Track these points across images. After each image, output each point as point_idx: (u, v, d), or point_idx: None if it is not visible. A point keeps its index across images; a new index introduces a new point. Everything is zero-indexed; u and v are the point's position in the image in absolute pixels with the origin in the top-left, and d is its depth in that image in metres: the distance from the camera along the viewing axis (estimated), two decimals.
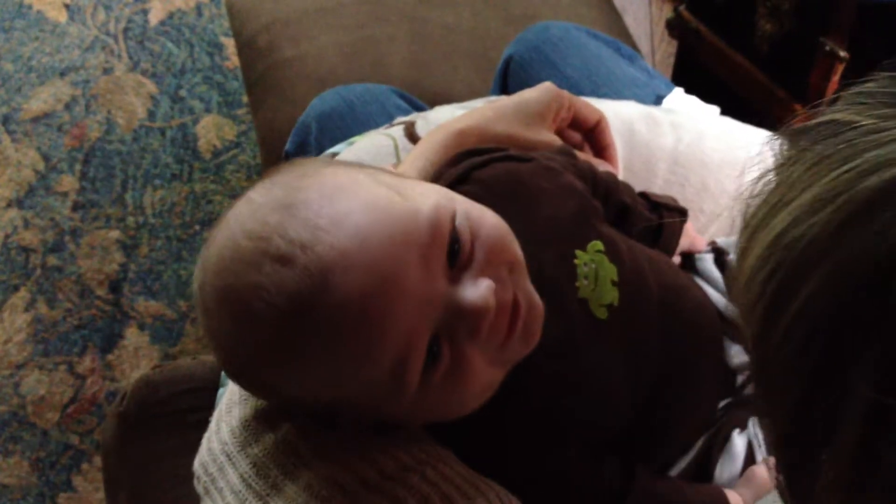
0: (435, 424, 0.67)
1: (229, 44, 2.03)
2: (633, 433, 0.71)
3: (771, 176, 0.42)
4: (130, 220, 1.89)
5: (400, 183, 0.63)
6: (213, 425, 0.71)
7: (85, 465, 1.67)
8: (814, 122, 0.41)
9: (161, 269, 1.85)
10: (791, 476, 0.43)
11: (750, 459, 0.78)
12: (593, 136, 0.89)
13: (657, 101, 1.09)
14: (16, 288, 1.84)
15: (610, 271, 0.70)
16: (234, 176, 1.94)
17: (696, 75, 1.66)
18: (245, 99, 1.92)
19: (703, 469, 0.78)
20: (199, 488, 0.69)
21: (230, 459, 0.66)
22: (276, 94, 1.44)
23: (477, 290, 0.59)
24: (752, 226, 0.41)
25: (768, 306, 0.40)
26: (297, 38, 1.47)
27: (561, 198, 0.74)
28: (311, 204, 0.58)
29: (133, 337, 1.79)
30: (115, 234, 1.87)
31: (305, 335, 0.56)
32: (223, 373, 0.79)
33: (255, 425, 0.67)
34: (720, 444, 0.79)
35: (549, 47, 1.18)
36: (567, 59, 1.16)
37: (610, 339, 0.69)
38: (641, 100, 1.05)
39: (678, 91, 1.11)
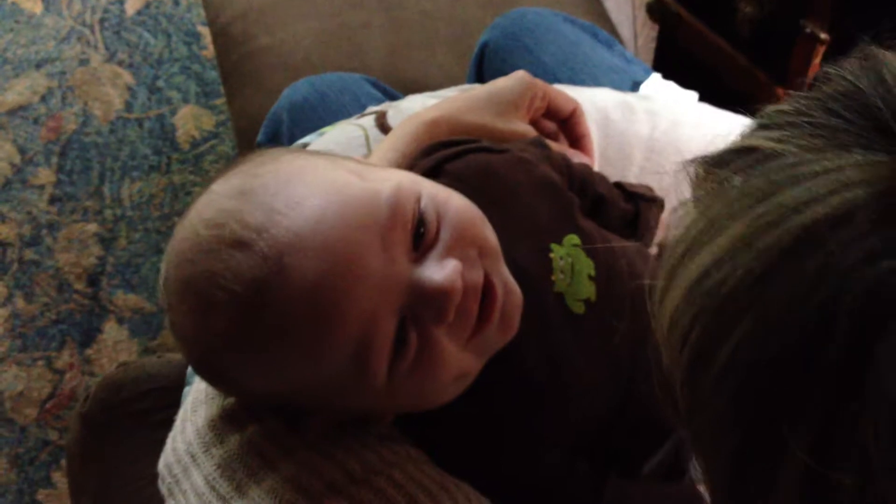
0: (409, 424, 0.66)
1: (206, 33, 2.01)
2: (608, 433, 0.70)
3: (689, 207, 0.39)
4: (108, 212, 1.88)
5: (363, 168, 0.62)
6: (178, 425, 0.70)
7: (64, 461, 1.66)
8: (730, 148, 0.38)
9: (140, 261, 1.83)
10: None
11: None
12: (568, 125, 0.88)
13: (634, 87, 1.08)
14: None
15: (587, 266, 0.69)
16: (212, 167, 1.92)
17: (677, 59, 1.65)
18: (222, 89, 1.90)
19: (677, 463, 0.77)
20: (164, 489, 0.68)
21: (194, 460, 0.65)
22: (251, 83, 1.43)
23: (441, 270, 0.58)
24: (671, 264, 0.39)
25: (693, 355, 0.37)
26: (272, 26, 1.45)
27: (536, 190, 0.73)
28: (268, 188, 0.57)
29: (112, 331, 1.78)
30: (92, 227, 1.86)
31: (263, 321, 0.55)
32: (189, 371, 0.78)
33: (221, 425, 0.66)
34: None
35: (526, 34, 1.17)
36: (543, 46, 1.15)
37: (587, 335, 0.68)
38: (618, 86, 1.03)
39: (655, 76, 1.10)
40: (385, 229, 0.57)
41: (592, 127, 0.90)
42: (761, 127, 0.38)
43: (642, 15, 1.91)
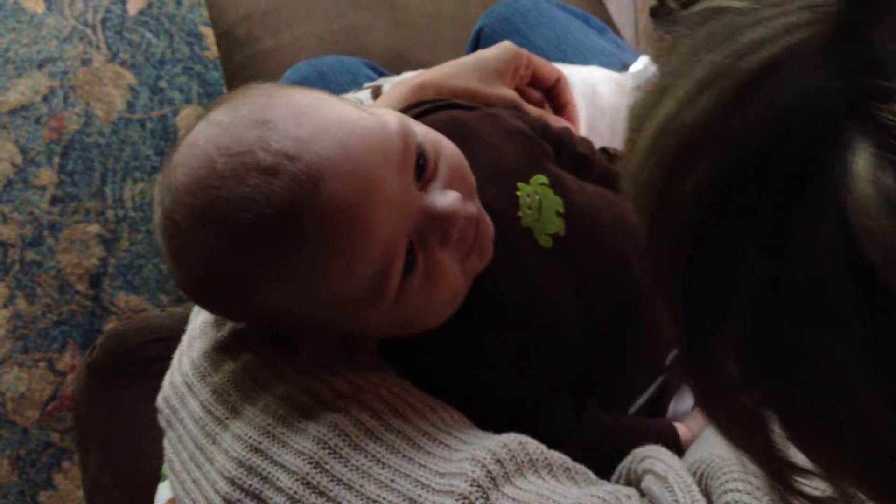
0: (392, 354, 0.69)
1: (209, 33, 2.01)
2: (590, 367, 0.73)
3: (656, 68, 0.42)
4: (110, 213, 1.88)
5: (361, 105, 0.65)
6: (175, 361, 0.73)
7: (66, 463, 1.66)
8: (689, 11, 0.41)
9: (141, 263, 1.83)
10: (688, 361, 0.44)
11: None
12: (552, 94, 0.92)
13: (624, 69, 1.10)
14: None
15: (555, 203, 0.73)
16: None
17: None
18: (225, 90, 1.90)
19: (657, 406, 0.80)
20: (162, 422, 0.71)
21: (191, 389, 0.68)
22: None
23: (447, 198, 0.63)
24: (639, 116, 0.42)
25: (658, 191, 0.40)
26: (276, 28, 1.46)
27: (504, 138, 0.76)
28: (288, 118, 0.59)
29: None
30: (94, 227, 1.86)
31: (295, 243, 0.58)
32: (190, 316, 0.79)
33: (215, 356, 0.69)
34: (675, 385, 0.80)
35: (519, 18, 1.21)
36: (536, 30, 1.20)
37: (556, 266, 0.72)
38: (608, 68, 1.06)
39: (644, 59, 1.11)
40: (399, 157, 0.61)
41: (580, 100, 0.93)
42: None
43: (644, 17, 1.91)
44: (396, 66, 1.38)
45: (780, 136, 0.36)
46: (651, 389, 0.79)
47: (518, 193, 0.72)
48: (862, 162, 0.34)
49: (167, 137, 1.95)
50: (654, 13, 1.55)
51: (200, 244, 0.61)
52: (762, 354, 0.39)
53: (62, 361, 1.76)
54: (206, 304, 0.69)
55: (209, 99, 1.99)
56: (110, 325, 1.03)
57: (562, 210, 0.73)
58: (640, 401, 0.78)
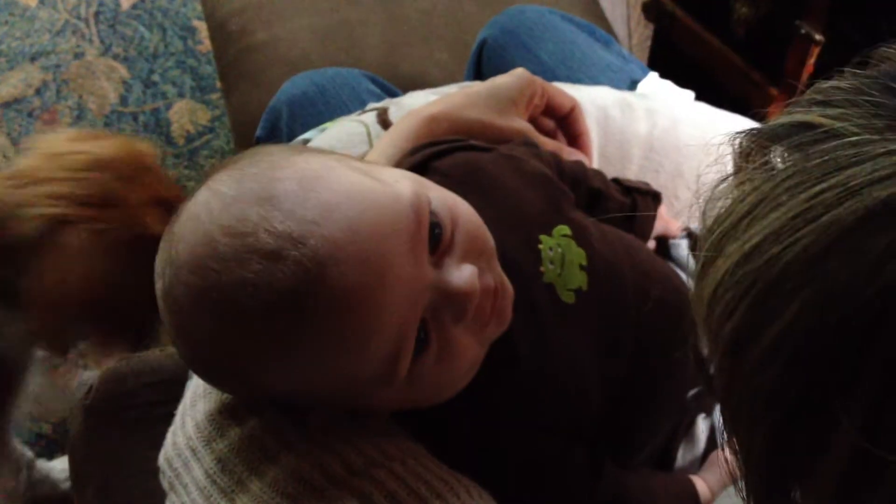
0: (407, 418, 0.66)
1: (202, 27, 2.01)
2: (606, 424, 0.71)
3: (733, 179, 0.39)
4: None
5: (371, 168, 0.62)
6: (177, 419, 0.70)
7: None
8: (782, 122, 0.38)
9: None
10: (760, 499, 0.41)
11: (712, 443, 0.78)
12: (567, 123, 0.88)
13: (632, 85, 1.09)
14: None
15: (578, 256, 0.70)
16: (207, 161, 1.92)
17: (672, 59, 1.66)
18: (219, 83, 1.89)
19: (666, 453, 0.79)
20: (165, 484, 0.68)
21: (195, 454, 0.65)
22: (248, 78, 1.43)
23: (462, 274, 0.60)
24: (720, 233, 0.38)
25: (741, 326, 0.37)
26: (270, 22, 1.45)
27: (524, 183, 0.74)
28: (293, 196, 0.56)
29: None
30: None
31: (300, 329, 0.55)
32: None
33: (220, 419, 0.66)
34: (685, 429, 0.79)
35: (524, 31, 1.18)
36: (542, 44, 1.15)
37: (579, 323, 0.69)
38: (616, 84, 1.04)
39: (653, 76, 1.11)
40: (412, 234, 0.58)
41: (592, 124, 0.90)
42: (817, 103, 0.37)
43: (637, 14, 1.92)
44: (391, 62, 1.38)
45: (885, 296, 0.32)
46: (658, 437, 0.77)
47: (540, 247, 0.69)
48: None
49: (160, 131, 1.95)
50: (645, 9, 1.57)
51: (202, 325, 0.58)
52: None
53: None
54: (209, 381, 0.66)
55: (202, 93, 1.99)
56: (106, 367, 1.00)
57: (585, 263, 0.70)
58: (650, 448, 0.77)
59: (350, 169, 0.60)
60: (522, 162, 0.76)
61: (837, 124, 0.35)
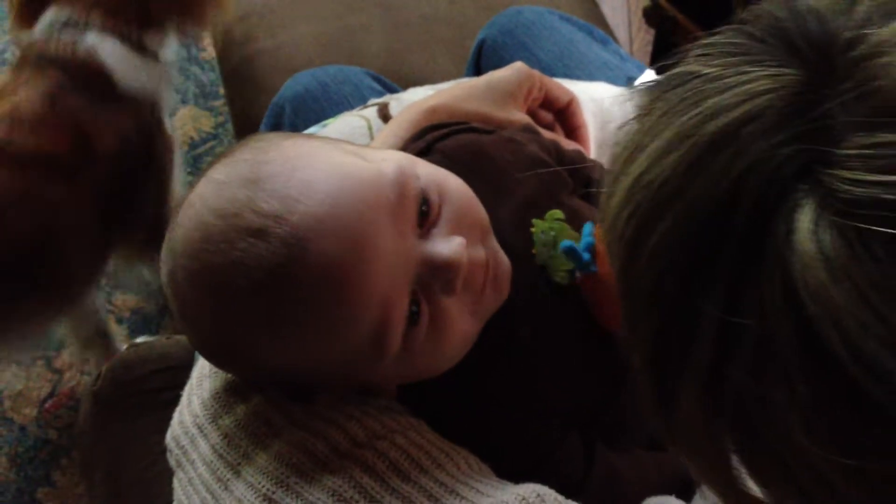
0: (407, 394, 0.67)
1: (205, 34, 2.01)
2: (600, 406, 0.72)
3: (631, 125, 0.46)
4: None
5: (359, 149, 0.64)
6: (184, 399, 0.71)
7: (64, 460, 1.66)
8: (665, 74, 0.45)
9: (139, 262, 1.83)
10: (655, 401, 0.47)
11: None
12: (564, 116, 0.90)
13: (629, 83, 1.10)
14: None
15: (571, 238, 0.71)
16: None
17: (673, 64, 1.66)
18: (222, 90, 1.90)
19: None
20: (172, 461, 0.69)
21: (201, 431, 0.67)
22: (252, 84, 1.44)
23: (449, 245, 0.61)
24: (616, 171, 0.45)
25: (629, 243, 0.44)
26: (274, 29, 1.47)
27: (522, 167, 0.75)
28: (278, 176, 0.58)
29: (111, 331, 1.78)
30: None
31: (287, 305, 0.57)
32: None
33: (226, 397, 0.67)
34: None
35: (522, 31, 1.19)
36: (540, 43, 1.17)
37: (572, 304, 0.70)
38: (613, 83, 1.05)
39: (649, 73, 1.12)
40: (394, 208, 0.59)
41: (589, 118, 0.91)
42: (697, 56, 0.44)
43: (638, 19, 1.93)
44: (393, 67, 1.39)
45: (735, 196, 0.39)
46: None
47: (532, 230, 0.70)
48: (805, 221, 0.37)
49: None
50: (647, 14, 1.57)
51: (201, 308, 0.60)
52: (719, 400, 0.42)
53: (60, 359, 1.76)
54: (215, 363, 0.68)
55: (205, 99, 2.00)
56: (117, 355, 1.02)
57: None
58: (644, 430, 0.77)
59: (338, 150, 0.62)
60: (522, 145, 0.77)
61: (701, 67, 0.43)
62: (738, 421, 0.42)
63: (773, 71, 0.40)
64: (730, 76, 0.41)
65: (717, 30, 0.45)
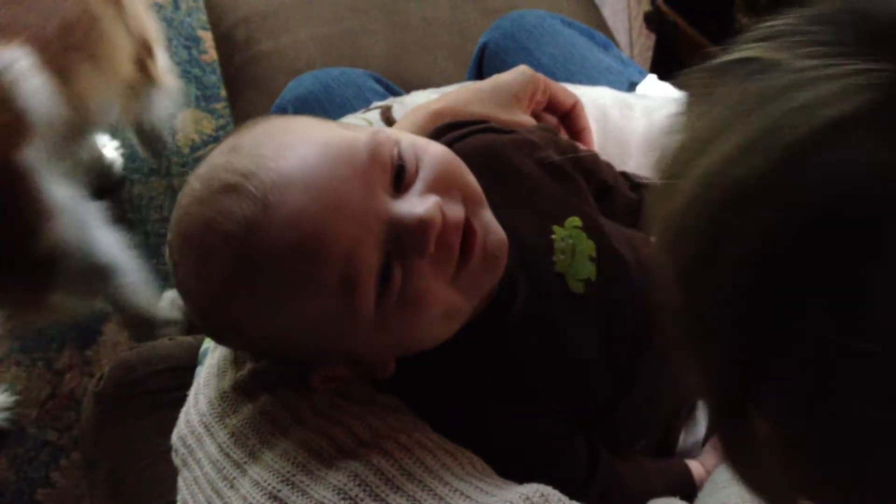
0: (412, 396, 0.68)
1: (207, 37, 2.02)
2: (606, 412, 0.72)
3: (686, 114, 0.42)
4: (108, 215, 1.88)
5: (346, 125, 0.65)
6: (190, 398, 0.72)
7: (63, 462, 1.66)
8: (729, 59, 0.41)
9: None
10: (721, 415, 0.44)
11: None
12: (568, 119, 0.90)
13: (631, 87, 1.10)
14: None
15: (588, 247, 0.71)
16: None
17: (673, 68, 1.66)
18: (223, 93, 1.91)
19: (667, 437, 0.80)
20: (177, 461, 0.70)
21: (208, 430, 0.67)
22: (254, 87, 1.44)
23: (421, 203, 0.60)
24: (680, 161, 0.41)
25: (705, 246, 0.40)
26: (275, 31, 1.47)
27: (541, 172, 0.75)
28: (255, 142, 0.61)
29: (111, 332, 1.78)
30: None
31: (255, 259, 0.58)
32: (200, 351, 0.80)
33: (234, 396, 0.68)
34: (686, 413, 0.80)
35: (524, 35, 1.19)
36: (542, 47, 1.17)
37: (587, 313, 0.70)
38: (615, 87, 1.05)
39: (651, 77, 1.12)
40: (365, 168, 0.59)
41: (591, 123, 0.91)
42: (758, 39, 0.40)
43: (639, 24, 1.93)
44: (395, 70, 1.39)
45: (847, 201, 0.35)
46: (659, 426, 0.78)
47: (553, 237, 0.70)
48: None
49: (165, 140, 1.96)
50: (647, 19, 1.58)
51: (189, 273, 0.62)
52: (809, 422, 0.38)
53: (60, 361, 1.76)
54: (211, 335, 0.69)
55: (207, 102, 2.01)
56: (118, 357, 1.02)
57: (594, 255, 0.71)
58: (650, 435, 0.78)
59: (321, 123, 0.64)
60: (539, 148, 0.77)
61: (778, 55, 0.38)
62: (833, 450, 0.38)
63: (863, 66, 0.36)
64: (814, 69, 0.37)
65: (778, 15, 0.40)
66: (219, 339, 0.70)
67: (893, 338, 0.34)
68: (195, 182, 0.61)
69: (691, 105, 0.42)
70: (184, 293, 0.64)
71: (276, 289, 0.59)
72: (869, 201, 0.35)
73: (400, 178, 0.61)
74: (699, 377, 0.43)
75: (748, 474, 0.45)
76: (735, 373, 0.41)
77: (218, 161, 0.61)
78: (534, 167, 0.74)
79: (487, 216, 0.64)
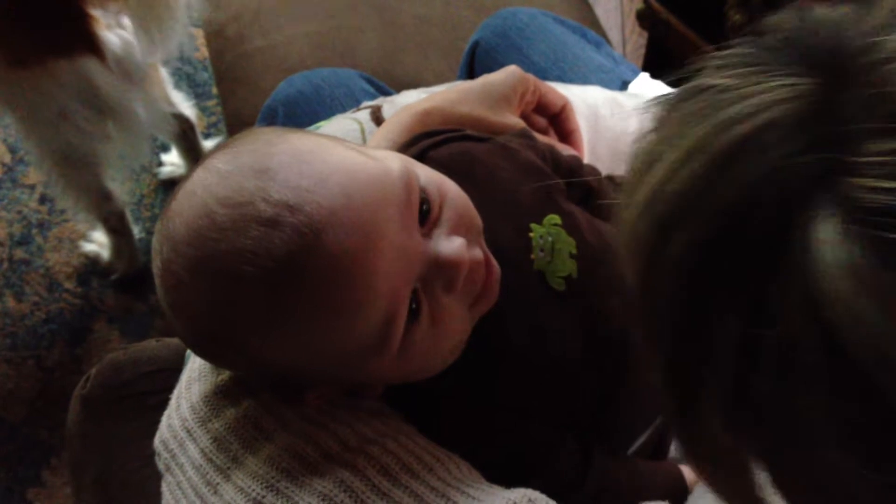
0: (399, 400, 0.67)
1: (198, 34, 2.01)
2: (596, 409, 0.72)
3: (648, 136, 0.46)
4: None
5: (363, 148, 0.64)
6: (173, 402, 0.71)
7: (54, 460, 1.66)
8: (681, 87, 0.45)
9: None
10: (673, 413, 0.47)
11: None
12: (558, 120, 0.90)
13: (623, 86, 1.10)
14: None
15: (568, 244, 0.71)
16: None
17: (666, 66, 1.66)
18: (215, 90, 1.90)
19: (661, 441, 0.79)
20: (160, 465, 0.69)
21: (190, 435, 0.66)
22: (245, 84, 1.44)
23: (452, 244, 0.61)
24: (633, 181, 0.46)
25: (648, 253, 0.44)
26: (267, 28, 1.46)
27: (517, 174, 0.75)
28: (288, 167, 0.58)
29: (102, 330, 1.78)
30: (83, 226, 1.85)
31: (298, 296, 0.56)
32: (187, 353, 0.79)
33: (216, 400, 0.67)
34: None
35: (516, 33, 1.19)
36: (533, 45, 1.17)
37: (568, 310, 0.70)
38: (607, 85, 1.05)
39: (644, 76, 1.12)
40: (402, 204, 0.59)
41: (582, 123, 0.91)
42: (714, 67, 0.44)
43: (631, 22, 1.93)
44: (386, 68, 1.39)
45: (754, 205, 0.39)
46: (652, 427, 0.78)
47: (531, 235, 0.70)
48: (825, 229, 0.37)
49: (156, 137, 1.95)
50: (640, 17, 1.57)
51: (201, 296, 0.59)
52: (743, 411, 0.42)
53: (50, 359, 1.75)
54: (207, 357, 0.68)
55: (199, 99, 2.00)
56: (108, 356, 1.00)
57: (574, 251, 0.71)
58: (644, 437, 0.78)
59: (342, 146, 0.62)
60: (516, 152, 0.77)
61: (715, 79, 0.43)
62: (762, 433, 0.42)
63: (788, 80, 0.40)
64: (745, 86, 0.41)
65: (731, 42, 0.45)
66: (212, 359, 0.68)
67: (793, 323, 0.38)
68: (215, 204, 0.58)
69: (652, 129, 0.47)
70: (182, 311, 0.61)
71: (314, 324, 0.58)
72: (767, 208, 0.39)
73: (424, 213, 0.62)
74: (656, 378, 0.47)
75: (707, 469, 0.49)
76: (677, 371, 0.45)
77: (247, 185, 0.57)
78: (510, 170, 0.75)
79: (485, 247, 0.66)
